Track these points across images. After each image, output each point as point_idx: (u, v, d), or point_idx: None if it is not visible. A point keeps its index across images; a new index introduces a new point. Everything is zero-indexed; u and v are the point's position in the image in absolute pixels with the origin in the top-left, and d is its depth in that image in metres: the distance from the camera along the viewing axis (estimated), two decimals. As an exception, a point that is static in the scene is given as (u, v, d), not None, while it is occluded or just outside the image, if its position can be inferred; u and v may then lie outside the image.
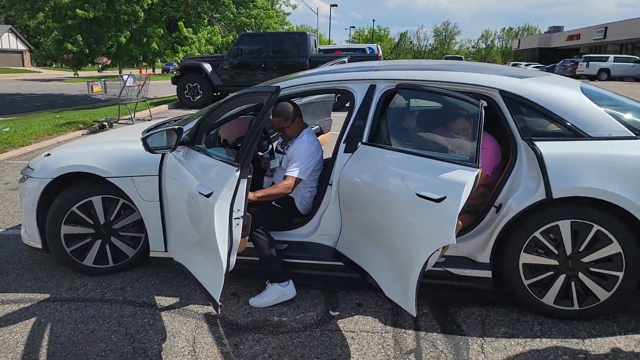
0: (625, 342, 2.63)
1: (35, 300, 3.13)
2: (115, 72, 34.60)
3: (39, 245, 3.44)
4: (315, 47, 14.00)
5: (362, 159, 2.91)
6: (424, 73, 3.13)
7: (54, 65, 57.45)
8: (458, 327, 2.79)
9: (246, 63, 13.19)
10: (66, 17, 15.68)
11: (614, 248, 2.65)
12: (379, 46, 25.74)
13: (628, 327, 2.78)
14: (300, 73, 3.63)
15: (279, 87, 2.58)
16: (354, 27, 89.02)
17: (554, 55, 60.87)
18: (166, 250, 3.29)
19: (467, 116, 2.72)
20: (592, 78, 35.30)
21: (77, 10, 15.05)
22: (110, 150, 3.31)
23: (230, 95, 3.00)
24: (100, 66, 21.40)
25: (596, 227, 2.65)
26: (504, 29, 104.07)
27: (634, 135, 2.72)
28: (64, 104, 15.88)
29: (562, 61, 44.62)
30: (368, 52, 19.94)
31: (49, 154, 3.50)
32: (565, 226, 2.69)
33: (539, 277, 2.81)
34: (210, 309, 3.01)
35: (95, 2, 15.50)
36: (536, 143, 2.75)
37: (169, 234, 3.20)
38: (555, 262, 2.77)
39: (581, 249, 2.71)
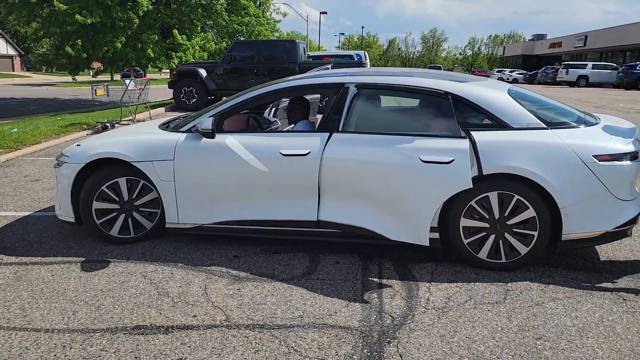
0: (538, 284, 3.43)
1: (73, 262, 3.86)
2: (107, 77, 35.18)
3: (72, 220, 4.18)
4: (305, 53, 14.83)
5: (347, 143, 3.69)
6: (389, 78, 3.91)
7: (44, 70, 57.91)
8: (412, 276, 3.57)
9: (239, 69, 13.99)
10: (64, 23, 16.38)
11: (530, 213, 3.46)
12: (366, 53, 26.66)
13: (543, 274, 3.58)
14: (299, 76, 4.38)
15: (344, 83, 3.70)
16: (343, 33, 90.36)
17: (536, 62, 62.29)
18: (179, 222, 4.04)
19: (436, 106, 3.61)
20: (571, 84, 36.49)
21: (77, 16, 15.76)
22: (132, 140, 4.06)
23: (276, 86, 3.90)
24: (94, 71, 22.09)
25: (516, 197, 3.45)
26: (490, 36, 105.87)
27: (545, 126, 3.54)
28: (58, 107, 16.56)
29: (543, 68, 45.93)
30: (356, 59, 20.83)
31: (79, 145, 4.24)
32: (493, 196, 3.49)
33: (475, 237, 3.60)
34: (215, 267, 3.76)
35: (93, 9, 16.23)
36: (472, 132, 3.55)
37: (186, 204, 3.96)
38: (487, 225, 3.56)
39: (506, 214, 3.51)
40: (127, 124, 10.46)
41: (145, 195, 4.17)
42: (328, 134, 3.78)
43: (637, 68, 30.83)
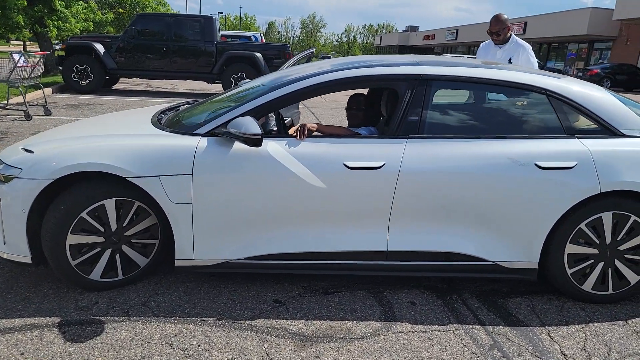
0: (658, 320, 2.94)
1: (44, 326, 2.61)
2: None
3: (28, 259, 2.87)
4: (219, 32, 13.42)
5: (431, 150, 2.88)
6: (472, 70, 3.13)
7: None
8: (517, 318, 2.89)
9: (144, 46, 12.20)
10: None
11: (644, 237, 2.95)
12: (262, 35, 25.71)
13: (651, 306, 3.11)
14: (348, 62, 3.40)
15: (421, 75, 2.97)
16: (222, 12, 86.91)
17: (411, 53, 65.51)
18: (194, 258, 2.94)
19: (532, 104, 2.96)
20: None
21: None
22: (126, 145, 2.85)
23: (328, 77, 2.99)
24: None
25: (633, 218, 2.91)
26: (365, 25, 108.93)
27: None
28: None
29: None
30: (253, 40, 19.77)
31: (29, 150, 2.92)
32: (607, 217, 2.93)
33: (580, 265, 3.01)
34: (260, 321, 2.76)
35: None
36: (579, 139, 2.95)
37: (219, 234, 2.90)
38: (595, 251, 2.99)
39: (619, 238, 2.96)
40: (17, 109, 8.49)
41: (139, 221, 2.99)
42: (404, 139, 2.93)
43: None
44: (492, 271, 3.02)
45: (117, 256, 2.98)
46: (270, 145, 2.88)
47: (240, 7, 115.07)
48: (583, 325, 2.85)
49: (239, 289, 3.08)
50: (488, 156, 2.89)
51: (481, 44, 5.36)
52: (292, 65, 4.76)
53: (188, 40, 12.39)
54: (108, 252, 2.95)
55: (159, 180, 2.80)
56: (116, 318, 2.72)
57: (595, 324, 2.87)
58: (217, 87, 15.02)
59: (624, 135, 3.00)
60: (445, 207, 2.92)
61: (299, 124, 3.01)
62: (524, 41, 5.02)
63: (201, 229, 2.89)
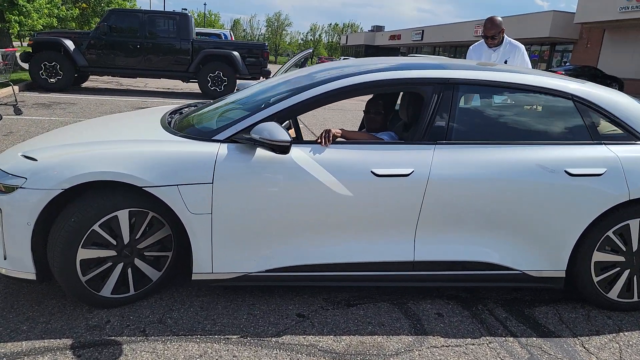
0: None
1: (55, 349, 2.40)
2: None
3: (32, 276, 2.65)
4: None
5: (460, 157, 2.80)
6: (499, 74, 3.05)
7: None
8: (547, 329, 2.84)
9: (118, 43, 11.77)
10: None
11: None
12: (231, 33, 25.37)
13: (673, 312, 3.11)
14: (371, 64, 3.27)
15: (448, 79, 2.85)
16: (185, 9, 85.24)
17: (377, 52, 66.02)
18: (213, 271, 2.77)
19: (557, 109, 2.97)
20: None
21: None
22: (145, 152, 2.65)
23: (353, 80, 2.87)
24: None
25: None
26: (331, 24, 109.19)
27: None
28: None
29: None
30: (223, 38, 19.45)
31: (31, 157, 2.69)
32: (634, 225, 2.90)
33: (606, 273, 2.98)
34: (288, 338, 2.61)
35: None
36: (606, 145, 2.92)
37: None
38: (622, 259, 2.96)
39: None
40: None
41: (152, 233, 2.79)
42: (432, 146, 2.84)
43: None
44: (519, 280, 2.95)
45: (129, 270, 2.78)
46: (294, 152, 2.73)
47: (205, 4, 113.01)
48: (614, 335, 2.82)
49: (257, 303, 2.93)
50: (517, 163, 2.82)
51: (471, 46, 5.31)
52: (290, 67, 4.62)
53: (163, 37, 12.03)
54: (120, 267, 2.75)
55: (178, 190, 2.62)
56: (133, 338, 2.52)
57: (626, 333, 2.84)
58: (191, 86, 14.69)
59: (648, 142, 2.98)
60: (473, 216, 2.84)
61: (323, 130, 2.87)
62: (517, 42, 5.01)
63: (220, 240, 2.73)
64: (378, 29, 73.06)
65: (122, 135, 3.01)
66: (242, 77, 12.47)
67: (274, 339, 2.59)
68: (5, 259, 2.65)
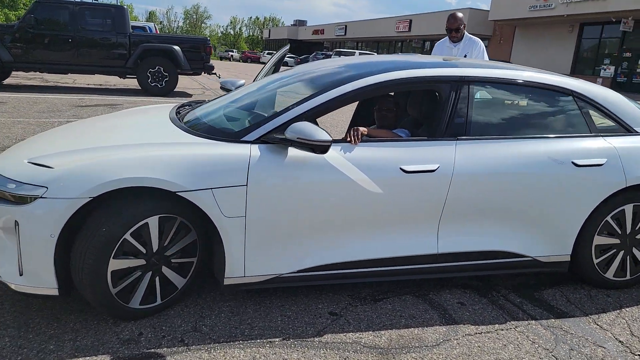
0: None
1: (95, 368, 2.26)
2: None
3: (54, 291, 2.47)
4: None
5: (479, 152, 2.92)
6: (507, 72, 3.20)
7: None
8: (560, 310, 3.04)
9: (47, 36, 10.98)
10: None
11: (660, 225, 3.24)
12: (155, 25, 24.54)
13: (659, 287, 3.43)
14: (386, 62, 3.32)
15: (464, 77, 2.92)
16: (96, 0, 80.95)
17: (301, 47, 66.08)
18: (245, 275, 2.72)
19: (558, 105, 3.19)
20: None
21: None
22: (178, 156, 2.54)
23: (374, 80, 2.87)
24: None
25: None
26: (251, 17, 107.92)
27: None
28: None
29: (314, 53, 48.77)
30: (148, 31, 18.78)
31: (48, 165, 2.50)
32: (629, 210, 3.18)
33: (604, 255, 3.23)
34: (329, 338, 2.62)
35: None
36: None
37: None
38: (617, 241, 3.22)
39: (637, 227, 3.22)
40: None
41: (180, 239, 2.70)
42: (453, 141, 2.94)
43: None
44: (530, 266, 3.14)
45: (157, 279, 2.67)
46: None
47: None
48: (617, 311, 3.07)
49: (286, 304, 2.91)
50: (531, 156, 2.99)
51: (436, 43, 5.55)
52: (274, 65, 4.56)
53: (97, 30, 11.38)
54: (148, 276, 2.63)
55: (212, 194, 2.54)
56: (174, 349, 2.43)
57: (627, 309, 3.10)
58: (126, 82, 14.04)
59: (637, 133, 3.25)
60: (492, 207, 2.98)
61: (351, 128, 2.88)
62: (476, 37, 5.28)
63: (253, 243, 2.68)
64: (300, 23, 73.28)
65: (139, 138, 2.86)
66: (183, 72, 12.10)
67: (316, 339, 2.59)
68: (20, 275, 2.45)
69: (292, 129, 2.60)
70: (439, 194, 2.88)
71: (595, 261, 3.22)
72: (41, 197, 2.37)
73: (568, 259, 3.17)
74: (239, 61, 61.36)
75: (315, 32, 63.16)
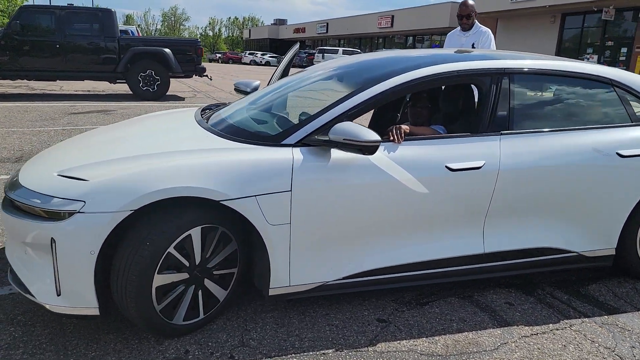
0: None
1: (147, 391, 2.12)
2: None
3: (94, 311, 2.32)
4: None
5: (523, 146, 2.83)
6: (544, 62, 3.11)
7: None
8: (610, 306, 2.96)
9: (33, 43, 10.68)
10: None
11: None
12: (137, 29, 24.29)
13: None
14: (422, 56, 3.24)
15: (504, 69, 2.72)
16: (72, 4, 79.62)
17: (282, 46, 65.81)
18: (290, 284, 2.60)
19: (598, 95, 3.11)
20: (328, 67, 39.40)
21: None
22: (220, 163, 2.40)
23: (413, 75, 2.76)
24: None
25: None
26: (230, 18, 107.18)
27: None
28: None
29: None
30: (130, 34, 18.53)
31: (79, 178, 2.36)
32: None
33: (649, 247, 3.17)
34: (383, 346, 2.51)
35: None
36: (648, 129, 3.09)
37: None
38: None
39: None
40: None
41: (222, 249, 2.56)
42: (497, 136, 2.84)
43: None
44: (575, 262, 3.06)
45: (200, 292, 2.53)
46: None
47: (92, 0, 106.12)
48: (667, 304, 3.01)
49: (331, 312, 2.79)
50: (575, 148, 2.91)
51: (448, 33, 5.50)
52: (285, 66, 4.41)
53: (85, 35, 11.10)
54: (191, 290, 2.49)
55: (256, 201, 2.41)
56: (228, 366, 2.30)
57: (675, 301, 3.04)
58: (115, 87, 13.76)
59: (675, 123, 3.19)
60: (537, 203, 2.89)
61: (392, 126, 2.77)
62: (485, 27, 5.23)
63: (299, 251, 2.56)
64: (281, 22, 72.95)
65: (172, 145, 2.72)
66: (175, 75, 11.87)
67: (370, 349, 2.48)
68: (58, 295, 2.30)
69: (336, 130, 2.48)
70: (485, 192, 2.78)
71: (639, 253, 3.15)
72: (79, 212, 2.22)
73: (613, 252, 3.10)
74: (218, 62, 60.58)
75: (297, 30, 62.94)
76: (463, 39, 5.23)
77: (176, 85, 15.85)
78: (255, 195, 2.41)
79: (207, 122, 3.06)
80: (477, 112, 2.91)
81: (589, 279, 3.28)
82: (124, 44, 11.24)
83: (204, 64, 13.03)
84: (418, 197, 2.67)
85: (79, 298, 2.30)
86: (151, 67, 11.40)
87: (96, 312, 2.32)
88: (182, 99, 12.67)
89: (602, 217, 3.01)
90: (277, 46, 67.20)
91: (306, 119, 2.68)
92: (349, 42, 55.30)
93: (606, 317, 2.84)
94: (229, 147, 2.58)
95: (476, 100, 3.29)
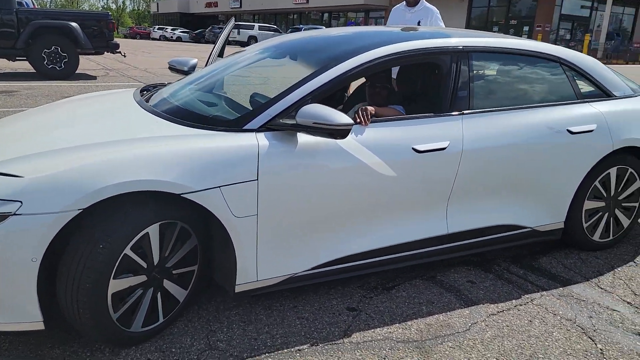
0: (650, 256, 3.41)
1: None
2: None
3: (39, 325, 2.04)
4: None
5: (484, 126, 2.82)
6: (497, 40, 3.11)
7: None
8: (564, 278, 3.07)
9: None
10: None
11: (638, 184, 3.36)
12: (33, 0, 22.31)
13: None
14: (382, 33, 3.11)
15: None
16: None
17: (192, 21, 63.34)
18: (258, 279, 2.43)
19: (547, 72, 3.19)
20: (242, 44, 38.52)
21: None
22: (174, 152, 2.16)
23: (378, 52, 2.65)
24: None
25: (630, 170, 3.30)
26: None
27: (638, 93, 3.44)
28: None
29: (210, 27, 47.08)
30: (25, 5, 16.94)
31: (12, 174, 2.04)
32: (613, 173, 3.26)
33: (593, 219, 3.31)
34: (357, 335, 2.43)
35: None
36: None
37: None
38: (603, 204, 3.31)
39: (619, 190, 3.32)
40: None
41: (181, 247, 2.34)
42: (459, 116, 2.81)
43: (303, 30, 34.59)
44: (529, 237, 3.13)
45: (159, 295, 2.30)
46: None
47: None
48: (612, 272, 3.16)
49: (298, 304, 2.66)
50: (531, 126, 2.94)
51: (392, 9, 5.41)
52: (223, 43, 4.14)
53: (-23, 9, 9.92)
54: (150, 293, 2.25)
55: (220, 192, 2.21)
56: (196, 375, 2.11)
57: (619, 269, 3.20)
58: (16, 65, 12.51)
59: (616, 97, 3.33)
60: (496, 182, 2.91)
61: (358, 108, 2.63)
62: (432, 5, 5.21)
63: (266, 243, 2.39)
64: (193, -5, 69.92)
65: (118, 132, 2.42)
66: (84, 52, 10.97)
67: (346, 340, 2.38)
68: (-6, 310, 1.99)
69: (303, 112, 2.31)
70: (448, 173, 2.75)
71: (585, 225, 3.28)
72: (15, 214, 1.91)
73: (562, 226, 3.20)
74: (125, 37, 56.94)
75: (209, 4, 60.63)
76: (408, 14, 5.13)
77: (85, 63, 14.71)
78: (220, 186, 2.20)
79: (152, 106, 2.77)
80: (439, 91, 2.85)
81: (538, 253, 3.39)
82: (23, 17, 10.16)
83: (117, 40, 12.14)
84: (387, 181, 2.59)
85: (19, 312, 2.00)
86: (57, 42, 10.44)
87: (41, 326, 2.04)
88: (94, 77, 11.76)
89: (553, 192, 3.09)
90: (188, 21, 64.50)
91: (268, 102, 2.48)
92: (264, 17, 54.28)
93: (561, 289, 2.93)
94: (185, 133, 2.34)
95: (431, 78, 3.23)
